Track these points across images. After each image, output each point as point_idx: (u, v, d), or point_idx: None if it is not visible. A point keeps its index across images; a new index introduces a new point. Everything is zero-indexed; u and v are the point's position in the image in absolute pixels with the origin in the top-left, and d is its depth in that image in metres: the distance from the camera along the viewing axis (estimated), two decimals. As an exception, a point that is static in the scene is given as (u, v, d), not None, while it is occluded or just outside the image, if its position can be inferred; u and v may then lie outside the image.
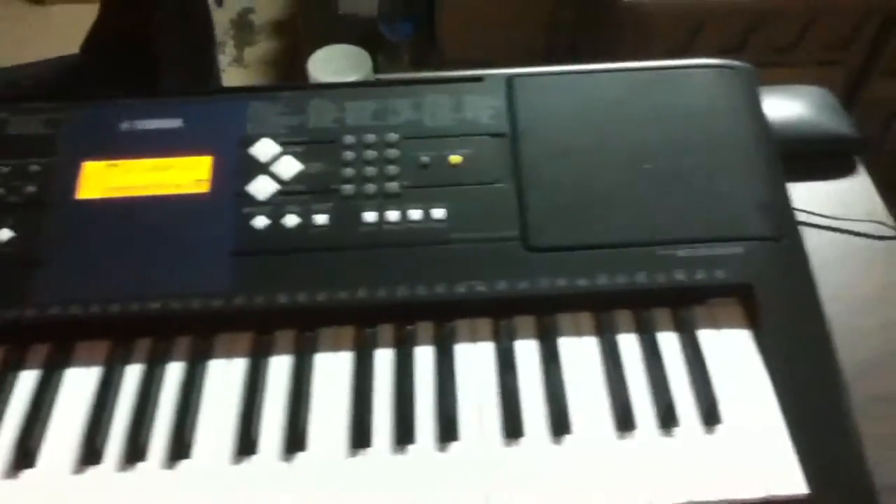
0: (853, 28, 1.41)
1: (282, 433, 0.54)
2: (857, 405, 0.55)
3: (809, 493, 0.51)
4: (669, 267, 0.58)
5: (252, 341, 0.59)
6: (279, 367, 0.57)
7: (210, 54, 1.18)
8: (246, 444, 0.53)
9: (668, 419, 0.54)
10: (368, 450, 0.53)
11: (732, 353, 0.57)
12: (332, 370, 0.57)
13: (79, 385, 0.57)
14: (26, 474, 0.53)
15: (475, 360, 0.58)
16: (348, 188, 0.62)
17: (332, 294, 0.58)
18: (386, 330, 0.59)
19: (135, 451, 0.53)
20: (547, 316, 0.59)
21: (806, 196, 0.73)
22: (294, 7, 2.04)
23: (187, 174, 0.63)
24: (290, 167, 0.63)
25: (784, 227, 0.61)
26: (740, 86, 0.67)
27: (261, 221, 0.61)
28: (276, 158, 0.63)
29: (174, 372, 0.57)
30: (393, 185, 0.62)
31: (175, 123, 0.65)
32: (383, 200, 0.62)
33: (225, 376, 0.57)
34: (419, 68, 1.82)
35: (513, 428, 0.54)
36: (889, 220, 0.73)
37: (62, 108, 0.65)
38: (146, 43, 1.06)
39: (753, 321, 0.58)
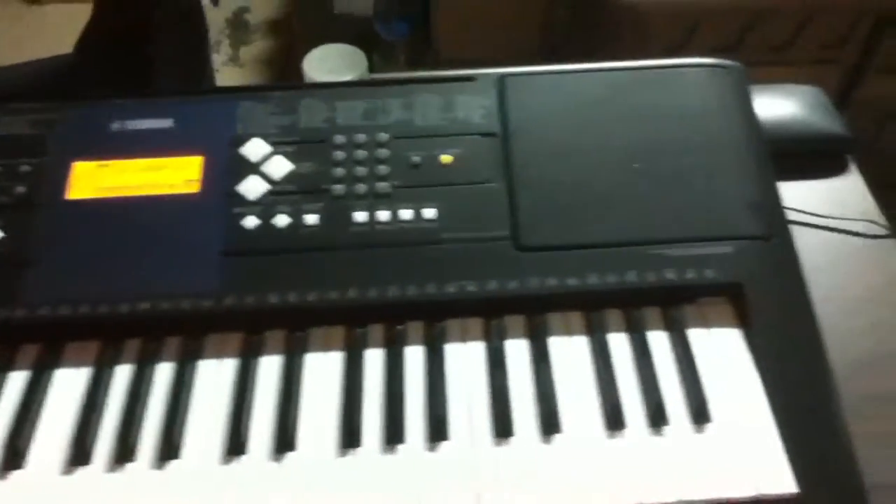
0: (848, 27, 1.41)
1: (271, 433, 0.54)
2: (848, 404, 0.55)
3: (799, 493, 0.51)
4: (659, 266, 0.58)
5: (242, 341, 0.59)
6: (269, 368, 0.57)
7: (204, 54, 1.18)
8: (235, 445, 0.53)
9: (657, 418, 0.54)
10: (358, 450, 0.53)
11: (722, 352, 0.57)
12: (323, 370, 0.57)
13: (68, 385, 0.57)
14: (15, 475, 0.52)
15: (465, 359, 0.58)
16: (339, 188, 0.62)
17: (322, 294, 0.58)
18: (376, 330, 0.59)
19: (124, 452, 0.53)
20: (537, 315, 0.59)
21: (798, 195, 0.73)
22: (289, 6, 2.04)
23: (178, 174, 0.63)
24: (280, 167, 0.63)
25: (774, 227, 0.61)
26: (731, 85, 0.67)
27: (251, 221, 0.61)
28: (266, 158, 0.63)
29: (164, 372, 0.57)
30: (384, 185, 0.62)
31: (166, 123, 0.65)
32: (374, 200, 0.62)
33: (215, 376, 0.57)
34: (415, 68, 1.82)
35: (503, 427, 0.54)
36: (881, 220, 0.73)
37: (52, 109, 0.65)
38: (140, 43, 1.06)
39: (743, 320, 0.58)
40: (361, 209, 0.61)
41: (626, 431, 0.54)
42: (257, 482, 0.52)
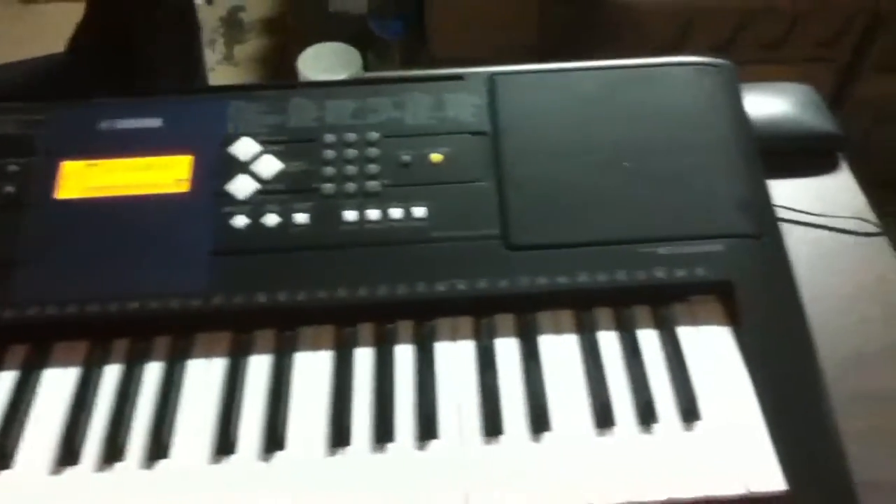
0: (841, 25, 1.41)
1: (261, 433, 0.54)
2: (838, 402, 0.56)
3: (788, 490, 0.51)
4: (649, 264, 0.58)
5: (231, 341, 0.58)
6: (258, 367, 0.57)
7: (196, 54, 1.17)
8: (224, 444, 0.53)
9: (647, 416, 0.54)
10: (348, 449, 0.53)
11: (712, 350, 0.57)
12: (312, 369, 0.57)
13: (57, 385, 0.56)
14: (3, 475, 0.52)
15: (455, 358, 0.58)
16: (329, 187, 0.62)
17: (311, 293, 0.58)
18: (366, 329, 0.59)
19: (113, 452, 0.53)
20: (527, 314, 0.59)
21: (789, 193, 0.73)
22: (284, 5, 2.04)
23: (167, 174, 0.63)
24: (270, 166, 0.63)
25: (764, 225, 0.61)
26: (721, 83, 0.67)
27: (240, 221, 0.60)
28: (256, 157, 0.63)
29: (153, 372, 0.57)
30: (374, 184, 0.62)
31: (155, 123, 0.65)
32: (364, 199, 0.62)
33: (204, 376, 0.57)
34: (410, 66, 1.82)
35: (493, 426, 0.54)
36: (872, 218, 0.73)
37: (41, 108, 0.65)
38: (132, 42, 1.06)
39: (733, 318, 0.58)
40: (351, 208, 0.61)
41: (616, 430, 0.54)
42: (246, 482, 0.52)
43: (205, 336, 0.59)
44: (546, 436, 0.53)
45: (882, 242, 0.72)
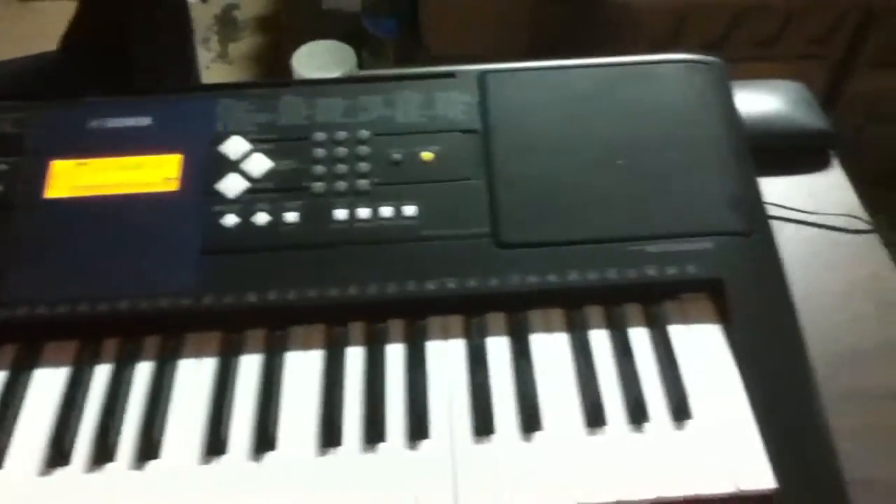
0: (834, 22, 1.41)
1: (251, 433, 0.54)
2: (830, 399, 0.55)
3: (778, 488, 0.51)
4: (640, 263, 0.58)
5: (222, 340, 0.58)
6: (249, 367, 0.57)
7: (189, 53, 1.17)
8: (215, 444, 0.53)
9: (637, 415, 0.54)
10: (338, 448, 0.53)
11: (703, 348, 0.57)
12: (303, 369, 0.57)
13: (47, 386, 0.56)
14: (-7, 476, 0.52)
15: (446, 357, 0.57)
16: (319, 186, 0.62)
17: (302, 292, 0.58)
18: (357, 328, 0.59)
19: (103, 452, 0.53)
20: (518, 313, 0.59)
21: (780, 191, 0.73)
22: (279, 3, 2.04)
23: (157, 172, 0.62)
24: (260, 165, 0.63)
25: (755, 222, 0.61)
26: (711, 81, 0.67)
27: (230, 220, 0.60)
28: (246, 156, 0.63)
29: (143, 372, 0.57)
30: (364, 183, 0.62)
31: (145, 121, 0.65)
32: (354, 198, 0.61)
33: (194, 376, 0.57)
34: (404, 64, 1.81)
35: (483, 425, 0.54)
36: (863, 215, 0.73)
37: (30, 107, 0.65)
38: (124, 41, 1.06)
39: (724, 316, 0.58)
40: (341, 207, 0.61)
41: (607, 428, 0.54)
42: (237, 482, 0.52)
43: (195, 336, 0.58)
44: (537, 435, 0.53)
45: (874, 240, 0.72)
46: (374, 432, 0.53)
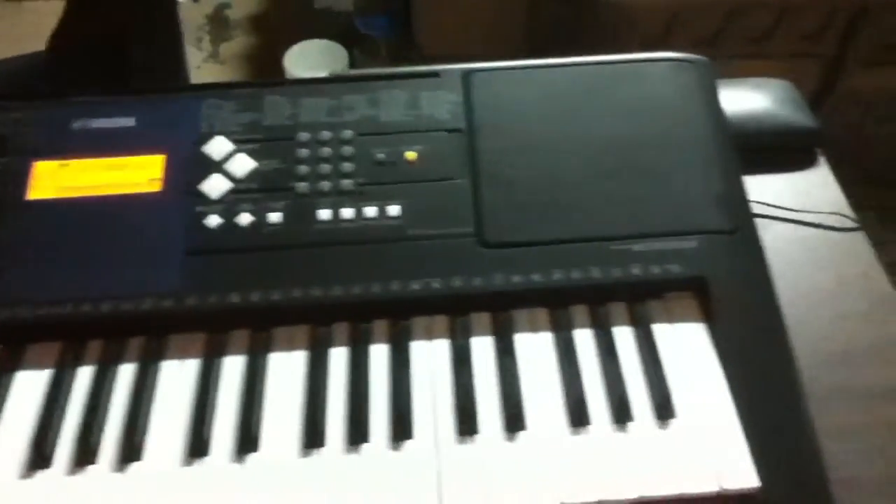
0: (826, 19, 1.41)
1: (234, 434, 0.54)
2: (816, 398, 0.55)
3: (761, 487, 0.51)
4: (624, 262, 0.58)
5: (205, 341, 0.58)
6: (232, 368, 0.57)
7: (178, 54, 1.17)
8: (197, 446, 0.53)
9: (621, 414, 0.54)
10: (322, 449, 0.53)
11: (687, 347, 0.57)
12: (287, 370, 0.57)
13: (29, 388, 0.56)
14: (-26, 479, 0.52)
15: (431, 357, 0.57)
16: (303, 186, 0.62)
17: (286, 293, 0.57)
18: (341, 328, 0.59)
19: (85, 454, 0.53)
20: (502, 312, 0.59)
21: (767, 189, 0.73)
22: (270, 2, 2.03)
23: (140, 173, 0.62)
24: (243, 165, 0.62)
25: (739, 220, 0.61)
26: (697, 79, 0.67)
27: (214, 220, 0.60)
28: (229, 156, 0.63)
29: (126, 373, 0.57)
30: (348, 183, 0.62)
31: (128, 122, 0.64)
32: (338, 198, 0.61)
33: (178, 377, 0.57)
34: (397, 63, 1.81)
35: (467, 425, 0.54)
36: (850, 213, 0.73)
37: (12, 108, 0.65)
38: (112, 42, 1.05)
39: (708, 315, 0.58)
40: (325, 207, 0.61)
41: (591, 428, 0.53)
42: (220, 483, 0.52)
43: (178, 337, 0.58)
44: (521, 435, 0.53)
45: (860, 238, 0.72)
46: (357, 433, 0.53)
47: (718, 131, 0.65)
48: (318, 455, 0.53)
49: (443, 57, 0.72)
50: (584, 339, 0.58)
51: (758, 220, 0.63)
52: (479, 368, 0.56)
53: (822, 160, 0.77)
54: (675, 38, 1.40)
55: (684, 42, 1.38)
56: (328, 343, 0.58)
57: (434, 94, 0.66)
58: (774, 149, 0.75)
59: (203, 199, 0.61)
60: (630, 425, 0.54)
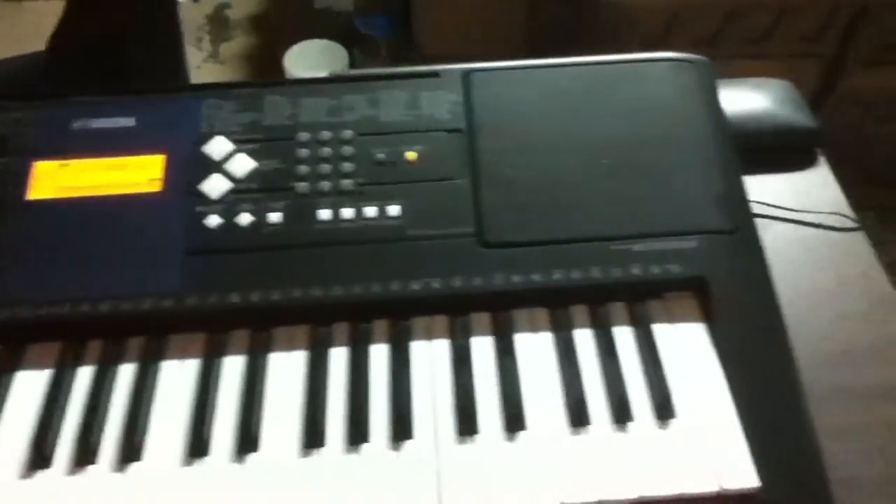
0: (826, 19, 1.41)
1: (234, 434, 0.54)
2: (817, 397, 0.55)
3: (761, 487, 0.51)
4: (625, 262, 0.58)
5: (205, 341, 0.58)
6: (232, 368, 0.57)
7: (178, 54, 1.17)
8: (198, 446, 0.53)
9: (621, 414, 0.54)
10: (322, 449, 0.53)
11: (687, 347, 0.57)
12: (287, 370, 0.57)
13: (29, 388, 0.56)
14: (-27, 479, 0.52)
15: (431, 357, 0.57)
16: (303, 186, 0.62)
17: (286, 293, 0.57)
18: (341, 328, 0.59)
19: (85, 454, 0.53)
20: (502, 312, 0.59)
21: (767, 189, 0.73)
22: (270, 2, 2.03)
23: (140, 173, 0.62)
24: (243, 165, 0.62)
25: (739, 220, 0.61)
26: (697, 79, 0.67)
27: (214, 220, 0.60)
28: (229, 156, 0.63)
29: (126, 373, 0.57)
30: (348, 183, 0.62)
31: (128, 122, 0.64)
32: (338, 198, 0.61)
33: (178, 377, 0.57)
34: (397, 63, 1.81)
35: (467, 426, 0.54)
36: (850, 213, 0.73)
37: (12, 108, 0.65)
38: (112, 43, 1.05)
39: (708, 315, 0.58)
40: (325, 207, 0.61)
41: (591, 428, 0.53)
42: (220, 483, 0.52)
43: (178, 337, 0.58)
44: (521, 435, 0.53)
45: (860, 238, 0.72)
46: (357, 433, 0.53)
47: (718, 131, 0.65)
48: (318, 455, 0.53)
49: (443, 57, 0.72)
50: (584, 339, 0.58)
51: (758, 220, 0.63)
52: (479, 368, 0.56)
53: (822, 160, 0.77)
54: (675, 38, 1.40)
55: (684, 42, 1.38)
56: (328, 343, 0.58)
57: (434, 94, 0.66)
58: (774, 149, 0.75)
59: (203, 199, 0.61)
60: (630, 425, 0.54)
